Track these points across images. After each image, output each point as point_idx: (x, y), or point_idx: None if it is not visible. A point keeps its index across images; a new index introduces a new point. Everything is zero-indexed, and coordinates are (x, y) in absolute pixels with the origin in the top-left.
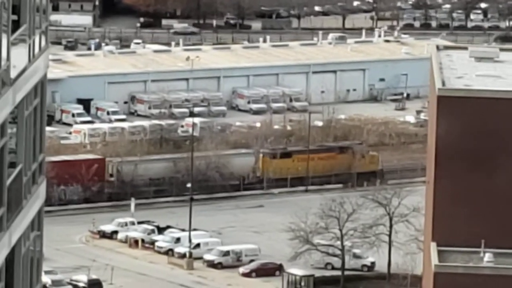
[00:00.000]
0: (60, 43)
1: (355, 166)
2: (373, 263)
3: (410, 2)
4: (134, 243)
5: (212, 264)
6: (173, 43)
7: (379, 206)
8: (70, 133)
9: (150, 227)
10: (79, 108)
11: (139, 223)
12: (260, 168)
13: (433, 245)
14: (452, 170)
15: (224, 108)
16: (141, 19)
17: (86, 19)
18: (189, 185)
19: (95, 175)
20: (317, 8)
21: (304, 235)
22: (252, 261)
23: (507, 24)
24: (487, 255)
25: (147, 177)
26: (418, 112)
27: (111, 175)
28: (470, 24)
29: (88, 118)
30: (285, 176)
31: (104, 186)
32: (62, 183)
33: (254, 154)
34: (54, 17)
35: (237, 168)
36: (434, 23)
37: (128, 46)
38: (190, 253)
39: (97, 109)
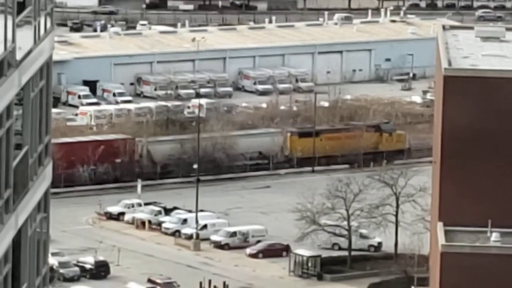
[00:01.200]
0: (65, 25)
1: (383, 145)
2: (380, 243)
3: None
4: (141, 224)
5: (219, 245)
6: (179, 24)
7: (386, 186)
8: (76, 114)
9: (157, 208)
10: (85, 90)
11: (146, 204)
12: (288, 147)
13: (440, 225)
14: (458, 150)
15: (230, 89)
16: (147, 0)
17: (91, 1)
18: (195, 166)
19: (125, 155)
20: None
21: (311, 215)
22: (259, 242)
23: None
24: (494, 234)
25: (176, 157)
26: (425, 92)
27: (141, 155)
28: (476, 4)
29: (94, 100)
30: (312, 155)
31: (134, 166)
32: (93, 163)
33: (282, 133)
34: None
35: (265, 147)
36: (440, 3)
37: (134, 28)
38: (197, 234)
39: (103, 90)
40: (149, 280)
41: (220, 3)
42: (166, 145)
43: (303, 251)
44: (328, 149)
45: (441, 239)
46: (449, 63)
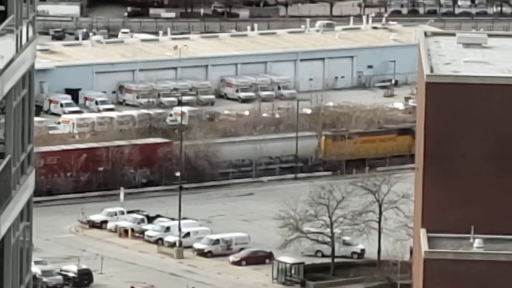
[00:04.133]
0: (47, 33)
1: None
2: (363, 250)
3: None
4: (124, 232)
5: (202, 253)
6: (161, 32)
7: (369, 193)
8: (59, 123)
9: (140, 216)
10: (67, 98)
11: (129, 212)
12: (322, 150)
13: (422, 232)
14: (441, 157)
15: (212, 96)
16: (129, 9)
17: (73, 9)
18: (178, 173)
19: (163, 159)
20: None
21: (294, 222)
22: (242, 249)
23: (495, 10)
24: (476, 241)
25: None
26: (407, 98)
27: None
28: (457, 10)
29: (77, 108)
30: (346, 158)
31: (172, 169)
32: (133, 166)
33: (317, 136)
34: (41, 7)
35: (300, 150)
36: (421, 10)
37: (116, 36)
38: (180, 242)
39: (85, 99)
40: None
41: (202, 11)
42: (202, 148)
43: (286, 258)
44: (362, 152)
45: (424, 246)
46: (431, 70)
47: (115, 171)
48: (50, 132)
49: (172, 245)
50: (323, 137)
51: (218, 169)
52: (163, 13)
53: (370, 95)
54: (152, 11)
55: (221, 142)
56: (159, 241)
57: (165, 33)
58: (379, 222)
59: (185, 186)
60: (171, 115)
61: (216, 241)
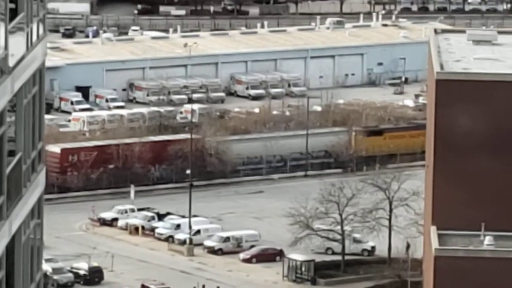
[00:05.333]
0: (58, 31)
1: None
2: (373, 248)
3: None
4: (134, 230)
5: (212, 250)
6: (171, 30)
7: (379, 190)
8: (69, 120)
9: (150, 214)
10: (78, 96)
11: (139, 210)
12: (353, 145)
13: (433, 229)
14: (451, 154)
15: (222, 94)
16: (139, 6)
17: (83, 7)
18: (188, 171)
19: (194, 154)
20: None
21: (304, 220)
22: (252, 246)
23: (505, 7)
24: (487, 238)
25: (245, 156)
26: (417, 96)
27: (211, 154)
28: (467, 7)
29: (87, 106)
30: (376, 153)
31: (205, 165)
32: (162, 163)
33: (348, 132)
34: (51, 5)
35: (331, 145)
36: (431, 7)
37: (126, 33)
38: (191, 240)
39: (96, 96)
40: (143, 286)
41: (212, 9)
42: (235, 144)
43: (297, 256)
44: (392, 148)
45: (435, 243)
46: (441, 67)
47: (126, 168)
48: (61, 129)
49: (183, 242)
50: (354, 133)
51: (251, 164)
52: (173, 10)
53: (380, 93)
54: (162, 8)
55: (252, 138)
56: (169, 239)
57: (175, 31)
58: (390, 220)
59: (195, 183)
60: (181, 112)
61: (227, 239)
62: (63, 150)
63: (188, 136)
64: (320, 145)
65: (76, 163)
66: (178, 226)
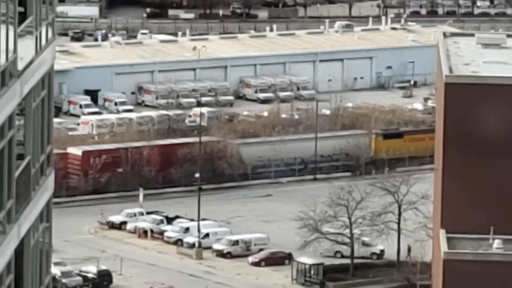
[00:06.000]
0: (66, 34)
1: None
2: (382, 251)
3: None
4: (143, 233)
5: (221, 254)
6: (179, 33)
7: (388, 193)
8: (78, 124)
9: (159, 217)
10: (87, 99)
11: (148, 213)
12: (373, 148)
13: (442, 232)
14: (460, 157)
15: (231, 97)
16: (148, 10)
17: (92, 10)
18: (197, 174)
19: (214, 156)
20: None
21: (313, 223)
22: (261, 250)
23: None
24: (496, 241)
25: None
26: (426, 99)
27: (231, 157)
28: (476, 11)
29: (96, 109)
30: (396, 156)
31: (224, 167)
32: (183, 164)
33: (368, 135)
34: (60, 8)
35: (352, 148)
36: (440, 10)
37: (135, 37)
38: (199, 243)
39: (105, 100)
40: None
41: (221, 12)
42: (255, 146)
43: (306, 259)
44: (412, 150)
45: (444, 246)
46: (450, 70)
47: (134, 172)
48: (70, 133)
49: (192, 246)
50: (374, 136)
51: (270, 167)
52: (182, 14)
53: (389, 96)
54: (171, 12)
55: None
56: (178, 242)
57: (184, 34)
58: (399, 223)
59: (204, 187)
60: (190, 116)
61: (236, 242)
62: (84, 152)
63: (197, 139)
64: (339, 148)
65: (98, 165)
66: (187, 230)
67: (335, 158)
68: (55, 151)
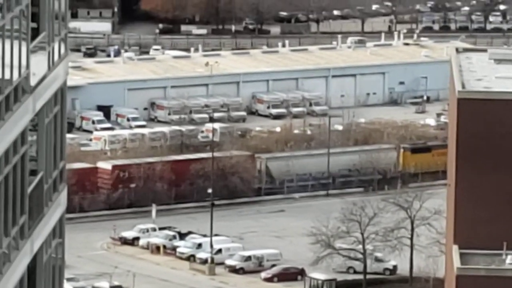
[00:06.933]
0: (79, 50)
1: None
2: (395, 267)
3: (429, 5)
4: (156, 249)
5: (234, 270)
6: (192, 49)
7: (400, 209)
8: (91, 140)
9: (172, 233)
10: (99, 115)
11: (161, 229)
12: (401, 162)
13: (455, 248)
14: (473, 173)
15: (243, 113)
16: (160, 25)
17: (105, 26)
18: (210, 190)
19: (244, 171)
20: (335, 12)
21: (326, 239)
22: (274, 266)
23: None
24: (509, 257)
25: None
26: (439, 115)
27: (259, 171)
28: (489, 26)
29: (108, 125)
30: (424, 170)
31: (254, 182)
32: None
33: (396, 149)
34: (73, 24)
35: (380, 162)
36: (453, 26)
37: (147, 53)
38: (212, 259)
39: (117, 115)
40: None
41: (233, 28)
42: (284, 161)
43: (318, 275)
44: (440, 165)
45: (457, 262)
46: (463, 86)
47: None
48: (82, 149)
49: (204, 261)
50: (402, 150)
51: (300, 181)
52: (195, 30)
53: (402, 111)
54: (183, 28)
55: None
56: (191, 258)
57: (196, 50)
58: (411, 239)
59: (216, 202)
60: (202, 131)
61: (248, 258)
62: (114, 166)
63: (209, 155)
64: (366, 162)
65: (127, 179)
66: (199, 245)
67: (362, 173)
68: (85, 165)
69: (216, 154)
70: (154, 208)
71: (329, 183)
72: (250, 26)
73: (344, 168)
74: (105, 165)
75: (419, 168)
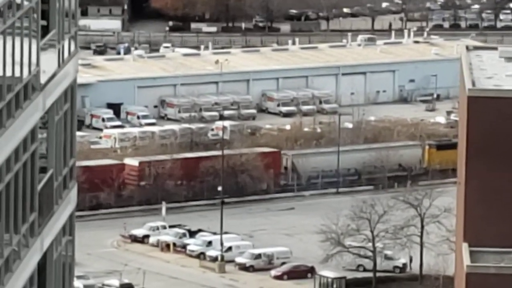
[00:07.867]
0: (89, 48)
1: None
2: (404, 264)
3: (439, 3)
4: (166, 247)
5: (244, 267)
6: (202, 47)
7: (410, 207)
8: (101, 137)
9: (182, 230)
10: (109, 113)
11: (171, 227)
12: (426, 159)
13: (465, 246)
14: (483, 171)
15: (253, 111)
16: (170, 23)
17: (115, 24)
18: (220, 188)
19: (270, 167)
20: (345, 10)
21: (336, 237)
22: (283, 263)
23: None
24: None
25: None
26: (449, 112)
27: (286, 168)
28: (499, 24)
29: (118, 123)
30: (449, 167)
31: (279, 178)
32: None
33: (421, 146)
34: (83, 22)
35: (405, 159)
36: (463, 24)
37: (157, 50)
38: (222, 256)
39: (127, 113)
40: None
41: (243, 25)
42: (310, 158)
43: (328, 273)
44: None
45: (466, 260)
46: (473, 84)
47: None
48: (92, 146)
49: (214, 259)
50: (427, 147)
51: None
52: (205, 27)
53: (412, 109)
54: (193, 25)
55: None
56: (201, 256)
57: (206, 48)
58: (421, 236)
59: (226, 200)
60: (212, 129)
61: (258, 256)
62: (141, 163)
63: (219, 152)
64: (394, 159)
65: (153, 175)
66: (209, 243)
67: (388, 169)
68: (112, 161)
69: (227, 151)
70: (164, 206)
71: (355, 179)
72: (260, 24)
73: (369, 164)
74: (132, 161)
75: (444, 165)
